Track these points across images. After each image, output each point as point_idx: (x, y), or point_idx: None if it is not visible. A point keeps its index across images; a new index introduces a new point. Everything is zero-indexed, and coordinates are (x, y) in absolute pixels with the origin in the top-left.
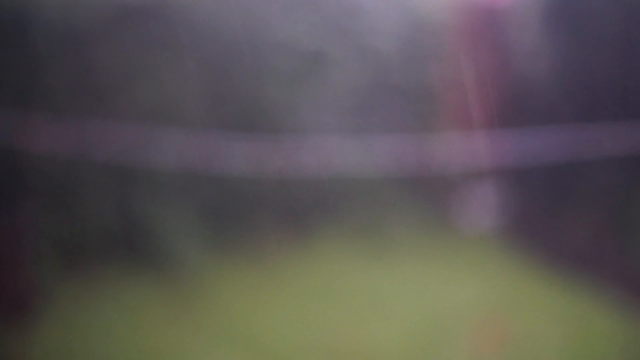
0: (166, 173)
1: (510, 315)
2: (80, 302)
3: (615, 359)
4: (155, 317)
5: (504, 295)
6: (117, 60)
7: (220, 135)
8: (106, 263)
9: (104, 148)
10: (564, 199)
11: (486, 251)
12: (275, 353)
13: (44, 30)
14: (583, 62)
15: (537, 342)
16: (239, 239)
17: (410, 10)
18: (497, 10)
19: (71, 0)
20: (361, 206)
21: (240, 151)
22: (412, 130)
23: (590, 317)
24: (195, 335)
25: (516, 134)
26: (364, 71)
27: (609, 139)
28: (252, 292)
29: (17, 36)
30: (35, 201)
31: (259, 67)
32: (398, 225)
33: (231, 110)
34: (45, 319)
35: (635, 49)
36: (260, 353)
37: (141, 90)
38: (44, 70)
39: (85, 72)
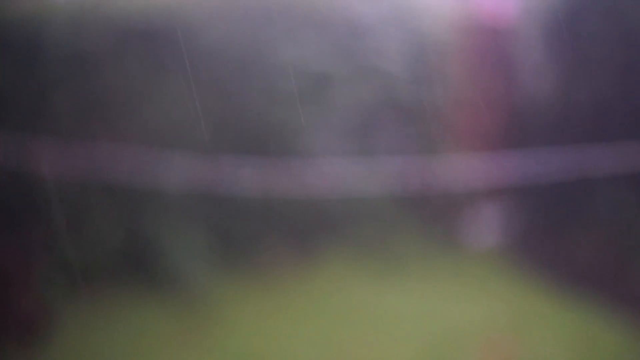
0: (174, 195)
1: (518, 333)
2: (90, 324)
3: None
4: (164, 338)
5: (511, 313)
6: (124, 83)
7: (227, 157)
8: (115, 285)
9: (112, 170)
10: (569, 218)
11: (492, 270)
12: None
13: (51, 54)
14: (587, 82)
15: None
16: (247, 260)
17: (416, 31)
18: (502, 31)
19: (79, 24)
20: (368, 226)
21: (248, 173)
22: (418, 151)
23: (598, 336)
24: (204, 356)
25: (521, 153)
26: (370, 92)
27: (613, 158)
28: (260, 312)
29: (24, 59)
30: (44, 224)
31: (265, 89)
32: (405, 245)
33: (238, 132)
34: (54, 341)
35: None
36: None
37: (149, 113)
38: (52, 93)
39: (93, 95)
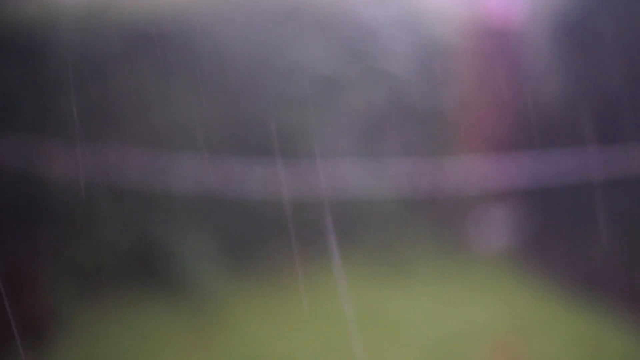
0: (183, 197)
1: (526, 337)
2: (98, 326)
3: None
4: (172, 340)
5: (519, 317)
6: (133, 86)
7: (236, 159)
8: (123, 287)
9: (122, 173)
10: (578, 221)
11: (501, 273)
12: None
13: (60, 57)
14: (596, 83)
15: None
16: (255, 262)
17: (424, 34)
18: (510, 33)
19: (88, 27)
20: (377, 229)
21: (256, 175)
22: (427, 153)
23: (606, 339)
24: (212, 359)
25: (529, 156)
26: (379, 94)
27: (623, 160)
28: (269, 315)
29: (34, 62)
30: (53, 226)
31: (273, 91)
32: (413, 247)
33: (246, 134)
34: (63, 344)
35: None
36: None
37: (158, 116)
38: (61, 96)
39: (102, 98)
